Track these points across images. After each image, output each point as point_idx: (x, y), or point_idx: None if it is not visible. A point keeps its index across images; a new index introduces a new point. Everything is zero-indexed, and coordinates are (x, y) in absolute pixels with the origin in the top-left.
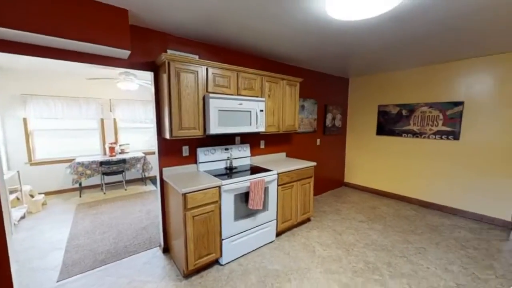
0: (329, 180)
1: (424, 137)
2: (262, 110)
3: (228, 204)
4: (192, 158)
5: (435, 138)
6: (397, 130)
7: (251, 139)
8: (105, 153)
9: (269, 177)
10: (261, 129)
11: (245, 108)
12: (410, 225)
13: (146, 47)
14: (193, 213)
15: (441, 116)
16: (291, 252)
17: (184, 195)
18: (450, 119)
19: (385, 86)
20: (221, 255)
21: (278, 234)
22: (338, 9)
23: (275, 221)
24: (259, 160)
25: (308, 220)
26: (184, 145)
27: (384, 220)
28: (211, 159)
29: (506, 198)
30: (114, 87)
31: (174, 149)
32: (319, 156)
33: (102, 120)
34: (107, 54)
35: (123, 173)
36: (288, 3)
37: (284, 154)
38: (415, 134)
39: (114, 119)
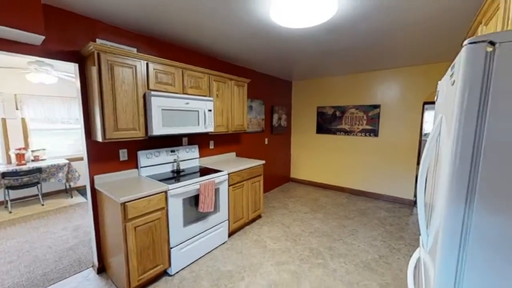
0: (277, 177)
1: (353, 135)
2: (210, 110)
3: (176, 210)
4: (132, 163)
5: (361, 135)
6: (333, 129)
7: (199, 140)
8: (9, 162)
9: (220, 178)
10: (210, 129)
11: (192, 108)
12: (345, 211)
13: (68, 33)
14: (135, 223)
15: (364, 117)
16: (244, 250)
17: (124, 204)
18: (371, 119)
19: (322, 90)
20: (169, 265)
21: (231, 234)
22: (280, 15)
23: (227, 221)
24: (209, 161)
25: (259, 217)
26: (121, 149)
27: (324, 209)
28: (155, 162)
29: (410, 181)
30: (22, 79)
31: (109, 153)
32: (267, 154)
33: (4, 120)
34: (10, 37)
35: (39, 185)
36: (235, 3)
37: (234, 154)
38: (346, 132)
39: (23, 119)
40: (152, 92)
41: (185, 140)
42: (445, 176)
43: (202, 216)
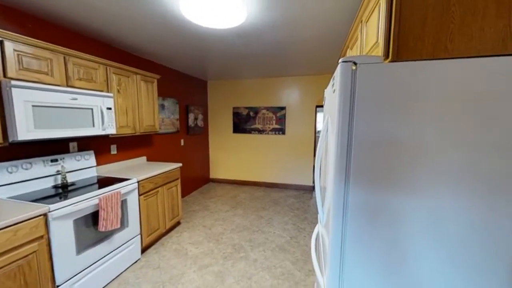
0: (196, 179)
1: (265, 133)
2: (110, 108)
3: (64, 236)
4: None
5: (272, 134)
6: (248, 129)
7: (96, 145)
8: None
9: (127, 188)
10: (111, 131)
11: (83, 105)
12: (261, 203)
13: None
14: None
15: (274, 117)
16: (162, 263)
17: None
18: (279, 119)
19: (237, 91)
20: None
21: (145, 249)
22: (189, 11)
23: (139, 236)
24: (111, 169)
25: (178, 223)
26: None
27: (243, 204)
28: (24, 177)
29: (309, 170)
30: None
31: None
32: (184, 156)
33: None
34: None
35: None
36: None
37: (144, 158)
38: (259, 131)
39: None
40: (13, 82)
41: (73, 145)
42: (331, 163)
43: (105, 236)
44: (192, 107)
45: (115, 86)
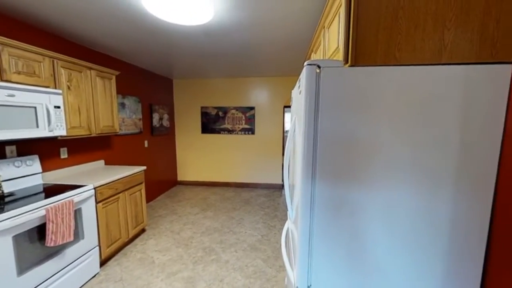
0: (163, 182)
1: (235, 133)
2: (58, 107)
3: (1, 255)
4: None
5: (241, 134)
6: (217, 129)
7: (41, 148)
8: None
9: (82, 195)
10: (60, 132)
11: (22, 103)
12: (232, 204)
13: None
14: None
15: (243, 117)
16: (124, 275)
17: None
18: (249, 119)
19: (206, 90)
20: None
21: (105, 261)
22: (151, 4)
23: (98, 248)
24: (62, 175)
25: (143, 230)
26: None
27: (214, 206)
28: None
29: (279, 169)
30: None
31: None
32: (149, 158)
33: None
34: None
35: None
36: None
37: (102, 162)
38: (229, 131)
39: None
40: None
41: (11, 149)
42: (299, 161)
43: (55, 252)
44: (157, 106)
45: (65, 82)
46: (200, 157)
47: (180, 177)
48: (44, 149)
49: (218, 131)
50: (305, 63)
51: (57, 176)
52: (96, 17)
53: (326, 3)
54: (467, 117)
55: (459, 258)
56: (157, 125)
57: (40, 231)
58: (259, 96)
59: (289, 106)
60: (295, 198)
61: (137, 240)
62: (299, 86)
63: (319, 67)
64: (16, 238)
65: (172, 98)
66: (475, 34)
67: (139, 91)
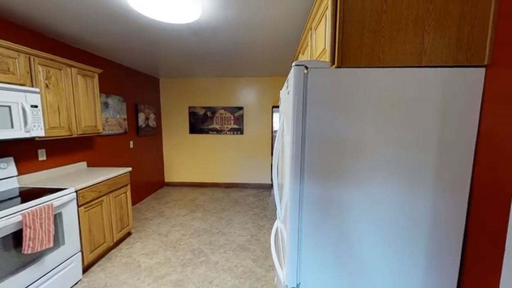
0: (149, 183)
1: (223, 133)
2: (35, 106)
3: None
4: None
5: (230, 134)
6: (205, 129)
7: (17, 150)
8: None
9: (62, 199)
10: (38, 133)
11: None
12: (221, 204)
13: None
14: None
15: (232, 117)
16: (109, 281)
17: None
18: (237, 119)
19: (193, 90)
20: None
21: (88, 267)
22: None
23: (80, 253)
24: (40, 178)
25: (129, 234)
26: None
27: (202, 207)
28: None
29: (267, 169)
30: None
31: None
32: (134, 159)
33: None
34: None
35: None
36: None
37: (84, 163)
38: (217, 131)
39: None
40: None
41: None
42: (287, 161)
43: (32, 260)
44: (143, 106)
45: (43, 80)
46: (188, 157)
47: (167, 178)
48: (20, 151)
49: (206, 131)
50: (293, 64)
51: (35, 179)
52: (77, 13)
53: (313, 5)
54: (445, 118)
55: (438, 252)
56: (143, 125)
57: (16, 238)
58: (247, 96)
59: (278, 106)
60: (284, 197)
61: (122, 244)
62: (287, 87)
63: (306, 67)
64: None
65: (159, 98)
66: (452, 38)
67: (123, 90)
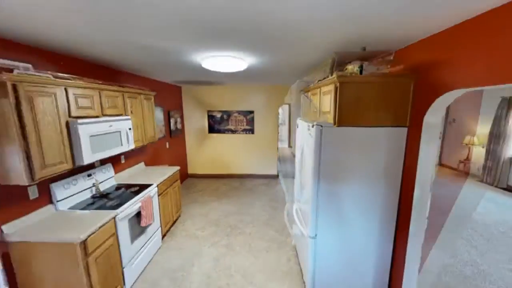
0: (179, 176)
1: (237, 133)
2: (130, 129)
3: (124, 232)
4: (45, 198)
5: (243, 133)
6: (222, 129)
7: (112, 157)
8: None
9: (153, 191)
10: (132, 146)
11: (115, 129)
12: (240, 192)
13: None
14: (95, 256)
15: (244, 120)
16: (182, 246)
17: (84, 242)
18: (249, 121)
19: (211, 96)
20: (124, 283)
21: (162, 237)
22: (208, 66)
23: (160, 228)
24: (123, 176)
25: (179, 216)
26: (30, 186)
27: (226, 195)
28: (74, 191)
29: (274, 162)
30: None
31: (16, 194)
32: (169, 157)
33: None
34: None
35: None
36: (174, 56)
37: (142, 164)
38: (232, 131)
39: None
40: (79, 121)
41: (97, 161)
42: (309, 171)
43: (142, 230)
44: (172, 111)
45: (129, 108)
46: (207, 153)
47: (190, 171)
48: (113, 158)
49: (223, 131)
50: (315, 123)
51: (121, 178)
52: (168, 65)
53: (324, 78)
54: (388, 152)
55: (385, 219)
56: (174, 128)
57: (137, 215)
58: (257, 102)
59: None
60: (306, 190)
61: (177, 223)
62: (308, 129)
63: (321, 126)
64: (129, 221)
65: (182, 103)
66: (391, 113)
67: (162, 101)
